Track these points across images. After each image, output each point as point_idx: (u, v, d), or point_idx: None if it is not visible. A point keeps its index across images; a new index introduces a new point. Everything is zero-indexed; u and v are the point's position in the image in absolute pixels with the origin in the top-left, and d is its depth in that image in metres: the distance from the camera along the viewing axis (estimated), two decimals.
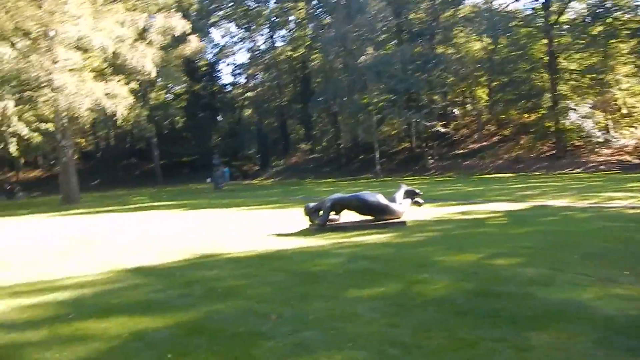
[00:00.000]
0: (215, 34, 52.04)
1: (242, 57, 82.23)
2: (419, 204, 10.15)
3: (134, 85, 21.67)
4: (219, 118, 52.52)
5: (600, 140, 30.85)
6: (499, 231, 8.32)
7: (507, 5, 37.49)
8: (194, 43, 26.19)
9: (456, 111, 43.79)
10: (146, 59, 20.64)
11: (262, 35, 52.96)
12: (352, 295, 4.68)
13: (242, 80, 54.56)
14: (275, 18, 50.07)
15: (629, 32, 30.62)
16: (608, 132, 31.65)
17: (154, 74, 21.67)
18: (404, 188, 9.95)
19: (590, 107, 31.99)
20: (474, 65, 39.56)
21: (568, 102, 32.52)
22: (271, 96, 50.63)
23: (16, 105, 20.90)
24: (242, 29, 50.98)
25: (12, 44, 18.48)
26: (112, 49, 19.20)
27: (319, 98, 41.98)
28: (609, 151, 30.64)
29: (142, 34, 22.26)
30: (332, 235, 8.48)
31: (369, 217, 9.31)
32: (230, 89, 54.00)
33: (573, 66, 34.02)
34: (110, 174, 46.11)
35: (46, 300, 5.12)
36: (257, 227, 10.19)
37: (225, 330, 3.85)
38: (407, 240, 7.77)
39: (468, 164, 37.84)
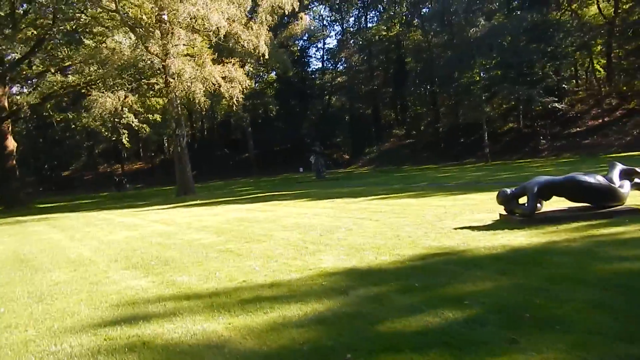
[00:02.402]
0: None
1: (333, 42, 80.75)
2: None
3: (249, 67, 20.69)
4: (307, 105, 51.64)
5: None
6: None
7: None
8: (305, 20, 24.84)
9: (565, 85, 39.88)
10: (260, 40, 19.62)
11: (352, 16, 51.19)
12: None
13: (331, 65, 53.27)
14: None
15: None
16: None
17: (267, 56, 20.63)
18: (620, 166, 7.90)
19: None
20: (595, 31, 35.64)
21: None
22: (362, 80, 48.80)
23: (132, 95, 20.69)
24: (332, 11, 49.39)
25: (132, 29, 17.97)
26: (226, 29, 18.26)
27: (415, 79, 39.73)
28: None
29: (250, 16, 21.22)
30: (549, 228, 6.65)
31: (583, 204, 7.48)
32: (319, 75, 52.81)
33: None
34: (205, 166, 46.61)
35: (273, 319, 3.79)
36: (428, 219, 8.56)
37: None
38: None
39: (588, 143, 34.51)
